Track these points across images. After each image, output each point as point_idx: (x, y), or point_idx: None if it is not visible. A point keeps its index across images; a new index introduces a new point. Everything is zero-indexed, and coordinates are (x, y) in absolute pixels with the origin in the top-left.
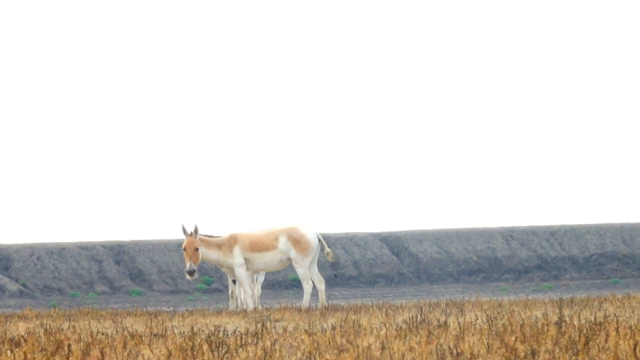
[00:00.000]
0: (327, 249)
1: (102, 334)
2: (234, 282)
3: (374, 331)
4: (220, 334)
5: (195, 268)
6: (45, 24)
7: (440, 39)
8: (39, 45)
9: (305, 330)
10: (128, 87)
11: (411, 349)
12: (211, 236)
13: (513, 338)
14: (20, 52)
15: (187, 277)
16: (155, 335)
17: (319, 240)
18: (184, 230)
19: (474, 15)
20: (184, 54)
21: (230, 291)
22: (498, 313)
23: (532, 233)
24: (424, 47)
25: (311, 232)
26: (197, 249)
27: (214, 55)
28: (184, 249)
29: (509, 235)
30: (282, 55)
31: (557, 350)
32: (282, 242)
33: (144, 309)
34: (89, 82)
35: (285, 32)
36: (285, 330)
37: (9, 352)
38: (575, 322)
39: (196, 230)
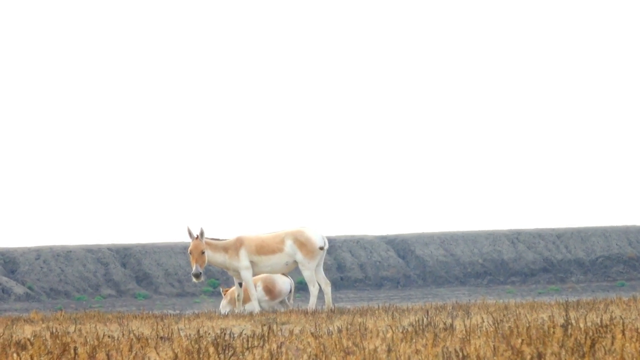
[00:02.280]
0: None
1: (109, 337)
2: (240, 284)
3: (380, 334)
4: (227, 337)
5: (201, 271)
6: (46, 25)
7: (443, 42)
8: (47, 48)
9: (312, 333)
10: (134, 91)
11: (417, 351)
12: (217, 239)
13: (519, 341)
14: (24, 55)
15: (194, 279)
16: (161, 338)
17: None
18: (190, 234)
19: (475, 18)
20: (189, 57)
21: (236, 294)
22: (504, 316)
23: (538, 235)
24: (427, 50)
25: (317, 235)
26: (203, 252)
27: (220, 59)
28: (190, 252)
29: (515, 237)
30: (288, 57)
31: (564, 352)
32: (288, 245)
33: (150, 312)
34: (94, 85)
35: (289, 34)
36: (291, 333)
37: (15, 355)
38: (582, 325)
39: (202, 234)
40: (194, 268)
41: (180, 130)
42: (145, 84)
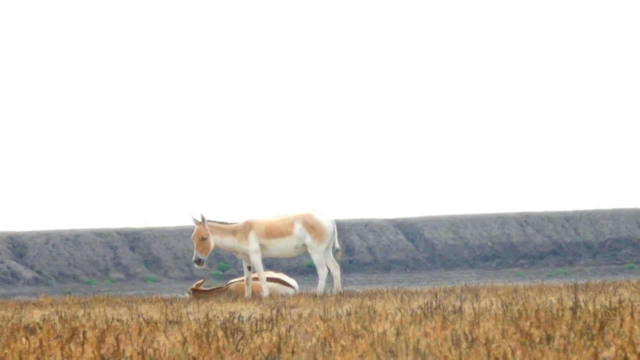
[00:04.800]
0: (337, 246)
1: (117, 320)
2: (249, 268)
3: (389, 317)
4: (236, 321)
5: (201, 257)
6: (45, 22)
7: (447, 32)
8: (49, 41)
9: (321, 317)
10: (141, 78)
11: (426, 334)
12: (226, 223)
13: (528, 323)
14: (27, 48)
15: (195, 266)
16: (170, 322)
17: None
18: (194, 220)
19: (474, 7)
20: (191, 46)
21: (245, 278)
22: (513, 298)
23: (547, 218)
24: (434, 38)
25: (326, 218)
26: (204, 238)
27: (226, 47)
28: (193, 238)
29: (524, 220)
30: (296, 43)
31: (572, 335)
32: (298, 229)
33: (159, 296)
34: (100, 72)
35: (287, 20)
36: (300, 316)
37: (24, 339)
38: (590, 307)
39: (203, 219)
40: (194, 255)
41: (189, 115)
42: (151, 71)
